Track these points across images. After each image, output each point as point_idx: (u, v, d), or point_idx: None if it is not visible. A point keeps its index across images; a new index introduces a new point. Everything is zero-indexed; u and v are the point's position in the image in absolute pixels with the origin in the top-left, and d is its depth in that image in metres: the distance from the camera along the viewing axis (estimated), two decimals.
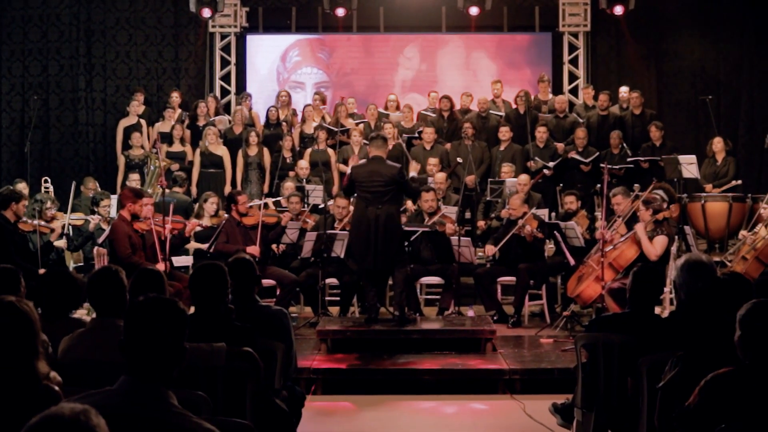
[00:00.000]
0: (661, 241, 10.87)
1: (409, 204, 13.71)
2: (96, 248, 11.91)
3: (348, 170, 11.61)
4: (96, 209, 13.25)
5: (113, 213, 13.27)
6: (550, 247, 12.93)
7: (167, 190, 13.46)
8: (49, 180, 15.51)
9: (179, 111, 17.33)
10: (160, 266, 10.84)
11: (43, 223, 12.16)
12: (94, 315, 5.78)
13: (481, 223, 14.79)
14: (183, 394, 4.38)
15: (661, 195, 11.47)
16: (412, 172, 13.08)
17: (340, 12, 17.81)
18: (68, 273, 6.24)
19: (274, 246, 12.72)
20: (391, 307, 11.94)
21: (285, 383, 6.46)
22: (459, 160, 15.04)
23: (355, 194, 11.26)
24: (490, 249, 12.52)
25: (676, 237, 11.92)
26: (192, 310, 5.92)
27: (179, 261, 12.34)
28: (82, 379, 4.96)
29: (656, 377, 5.19)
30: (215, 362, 5.27)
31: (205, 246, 12.36)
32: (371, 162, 11.16)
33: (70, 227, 12.71)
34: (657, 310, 9.48)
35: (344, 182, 11.79)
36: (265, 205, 13.06)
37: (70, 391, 4.56)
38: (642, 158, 15.41)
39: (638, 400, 5.62)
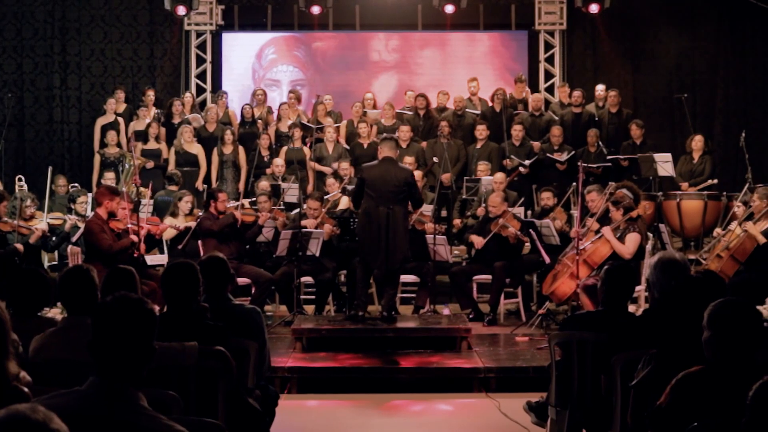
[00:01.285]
0: (633, 238, 10.88)
1: None
2: (70, 247, 11.82)
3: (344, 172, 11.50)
4: (73, 206, 13.19)
5: (90, 211, 13.20)
6: (526, 245, 12.89)
7: (143, 190, 13.43)
8: (23, 178, 15.39)
9: (154, 109, 17.26)
10: (134, 238, 10.79)
11: (22, 223, 12.09)
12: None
13: (456, 222, 14.78)
14: (154, 394, 4.34)
15: (626, 193, 11.47)
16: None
17: (316, 10, 17.85)
18: (38, 271, 6.17)
19: None
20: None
21: (258, 382, 6.42)
22: (435, 159, 15.02)
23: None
24: (479, 240, 12.48)
25: (652, 235, 11.96)
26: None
27: (153, 260, 12.26)
28: (53, 378, 4.92)
29: (629, 375, 5.19)
30: (187, 361, 5.23)
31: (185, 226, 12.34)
32: (383, 163, 11.15)
33: (47, 225, 12.59)
34: (632, 308, 9.53)
35: (353, 190, 11.64)
36: (242, 206, 13.00)
37: (41, 391, 4.52)
38: (622, 156, 15.43)
39: (612, 398, 5.62)
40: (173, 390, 4.86)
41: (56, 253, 13.02)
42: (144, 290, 9.90)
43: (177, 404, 4.41)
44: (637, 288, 10.39)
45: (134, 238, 10.77)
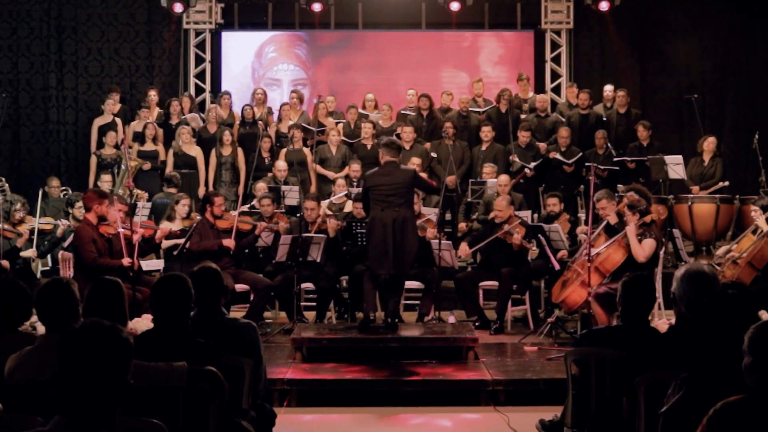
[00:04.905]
0: (649, 243, 10.52)
1: None
2: (61, 252, 11.44)
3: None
4: (70, 210, 12.83)
5: None
6: (533, 250, 12.52)
7: (140, 193, 13.06)
8: (3, 179, 14.98)
9: (158, 110, 16.90)
10: (125, 261, 10.37)
11: (8, 227, 11.73)
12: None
13: (462, 225, 14.43)
14: (137, 424, 3.96)
15: (637, 196, 11.10)
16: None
17: (317, 7, 17.64)
18: (17, 283, 5.73)
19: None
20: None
21: (254, 402, 6.02)
22: (433, 154, 14.70)
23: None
24: (464, 250, 12.15)
25: (665, 240, 11.60)
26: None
27: (149, 265, 11.86)
28: (29, 401, 4.58)
29: (654, 397, 4.81)
30: (175, 383, 4.84)
31: (180, 241, 11.87)
32: (386, 167, 10.88)
33: (36, 232, 12.17)
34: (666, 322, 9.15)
35: (362, 199, 11.37)
36: (241, 213, 12.61)
37: (13, 418, 4.19)
38: (629, 159, 15.07)
39: (635, 421, 5.22)
40: (160, 415, 4.51)
41: (50, 258, 12.63)
42: (138, 298, 9.57)
43: None
44: None
45: (125, 262, 10.31)
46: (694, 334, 4.97)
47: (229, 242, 11.70)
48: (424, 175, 12.82)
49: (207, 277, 5.99)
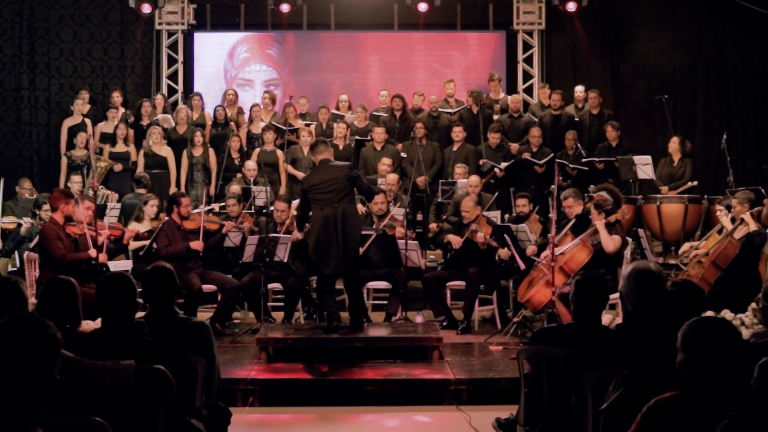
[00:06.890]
0: (617, 237, 10.60)
1: (359, 207, 13.23)
2: (27, 253, 11.40)
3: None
4: (38, 212, 12.79)
5: None
6: (502, 250, 12.53)
7: (109, 193, 13.04)
8: None
9: (122, 110, 16.84)
10: (92, 252, 10.39)
11: None
12: None
13: (432, 226, 14.44)
14: (78, 422, 3.99)
15: (607, 197, 11.13)
16: None
17: (285, 8, 17.63)
18: None
19: None
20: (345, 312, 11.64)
21: (208, 400, 6.02)
22: (403, 155, 14.71)
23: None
24: (456, 240, 12.07)
25: (631, 240, 11.64)
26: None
27: (117, 266, 11.83)
28: None
29: (601, 395, 4.83)
30: (123, 382, 4.84)
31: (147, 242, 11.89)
32: (319, 167, 10.88)
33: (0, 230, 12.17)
34: (610, 316, 9.20)
35: (299, 203, 11.48)
36: (209, 211, 12.59)
37: None
38: (597, 159, 15.11)
39: (583, 419, 5.25)
40: (109, 413, 4.51)
41: (17, 259, 12.60)
42: None
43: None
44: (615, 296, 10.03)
45: (92, 253, 10.34)
46: (637, 332, 5.01)
47: (197, 244, 11.67)
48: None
49: (159, 276, 5.97)
